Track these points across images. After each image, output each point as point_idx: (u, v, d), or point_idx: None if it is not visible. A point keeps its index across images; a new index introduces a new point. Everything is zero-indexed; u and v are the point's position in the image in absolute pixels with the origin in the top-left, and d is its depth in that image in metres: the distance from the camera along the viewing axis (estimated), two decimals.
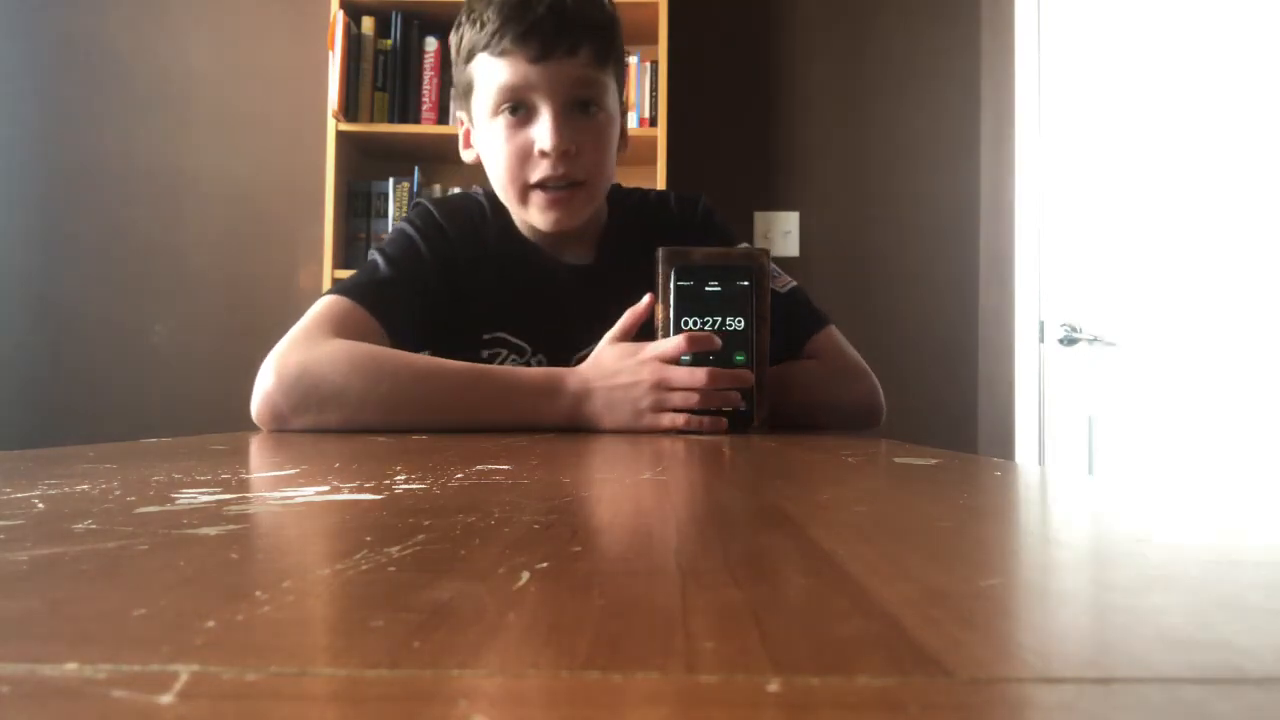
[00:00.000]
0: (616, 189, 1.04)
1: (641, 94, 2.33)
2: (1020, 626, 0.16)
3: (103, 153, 2.41)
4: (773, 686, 0.12)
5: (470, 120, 0.96)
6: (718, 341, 0.82)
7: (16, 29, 2.43)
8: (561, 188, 0.92)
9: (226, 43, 2.41)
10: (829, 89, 2.51)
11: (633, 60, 2.35)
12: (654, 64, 2.31)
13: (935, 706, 0.12)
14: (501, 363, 0.97)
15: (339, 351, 0.81)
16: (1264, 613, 0.17)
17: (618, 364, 0.81)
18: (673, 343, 0.81)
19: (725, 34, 2.51)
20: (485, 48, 0.88)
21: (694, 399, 0.79)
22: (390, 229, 0.99)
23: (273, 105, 2.39)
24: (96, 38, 2.42)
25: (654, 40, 2.31)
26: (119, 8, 2.42)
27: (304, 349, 0.81)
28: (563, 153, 0.89)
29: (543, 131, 0.88)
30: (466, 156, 1.01)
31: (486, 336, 0.97)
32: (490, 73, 0.89)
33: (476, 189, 1.07)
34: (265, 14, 2.41)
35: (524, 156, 0.90)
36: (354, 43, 2.19)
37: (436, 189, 2.25)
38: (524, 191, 0.93)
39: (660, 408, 0.79)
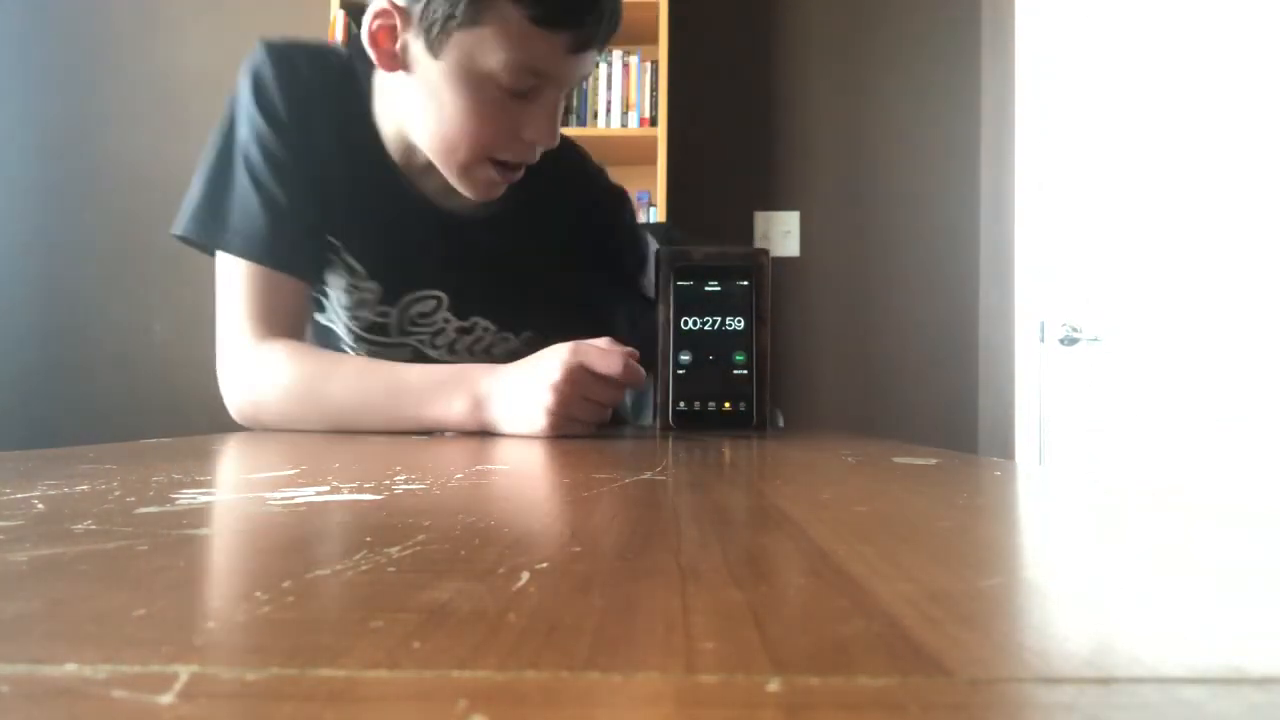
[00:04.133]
0: None
1: (642, 94, 2.33)
2: (1020, 626, 0.16)
3: (103, 153, 2.41)
4: (773, 686, 0.12)
5: (431, 39, 0.78)
6: (641, 375, 0.76)
7: (17, 30, 2.43)
8: (514, 169, 0.86)
9: (226, 42, 2.41)
10: (829, 89, 2.51)
11: (633, 60, 2.35)
12: (654, 64, 2.31)
13: (935, 706, 0.12)
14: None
15: (278, 378, 0.82)
16: (1264, 612, 0.17)
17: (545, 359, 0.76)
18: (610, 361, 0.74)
19: (725, 34, 2.51)
20: (529, 5, 0.75)
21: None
22: (233, 114, 0.94)
23: None
24: (97, 38, 2.42)
25: (654, 40, 2.31)
26: (120, 8, 2.42)
27: (246, 370, 0.83)
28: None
29: (542, 124, 0.82)
30: (383, 62, 0.82)
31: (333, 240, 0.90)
32: (519, 41, 0.76)
33: (338, 49, 0.95)
34: (265, 14, 2.41)
35: (504, 134, 0.82)
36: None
37: None
38: (476, 162, 0.84)
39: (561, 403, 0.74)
